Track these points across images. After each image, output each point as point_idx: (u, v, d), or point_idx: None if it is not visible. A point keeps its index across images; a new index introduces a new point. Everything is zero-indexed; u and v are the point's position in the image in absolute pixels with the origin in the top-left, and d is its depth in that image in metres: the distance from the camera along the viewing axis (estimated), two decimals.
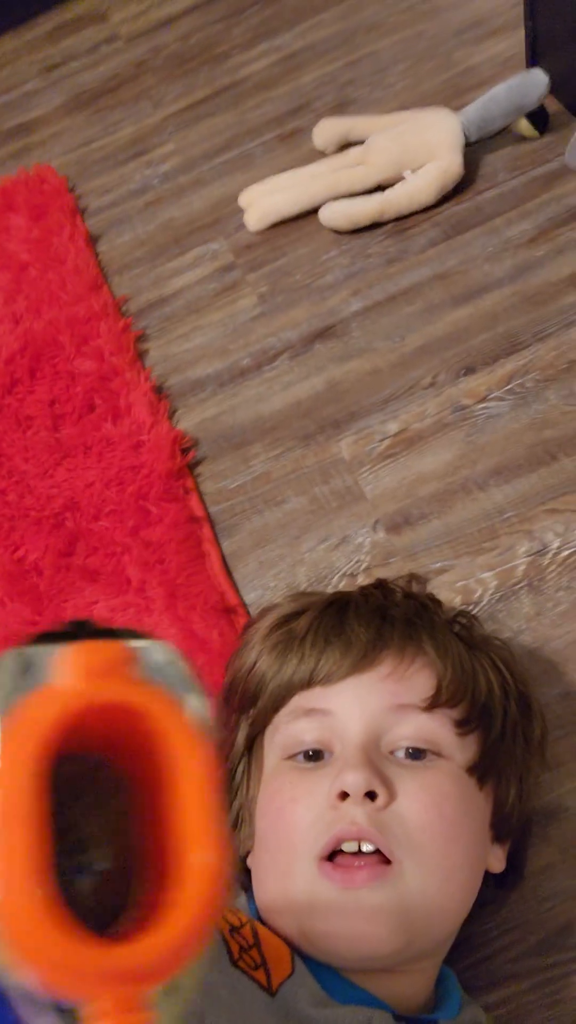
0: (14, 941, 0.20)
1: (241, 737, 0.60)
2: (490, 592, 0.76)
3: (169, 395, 0.94)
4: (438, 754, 0.54)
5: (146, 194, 1.12)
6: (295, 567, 0.81)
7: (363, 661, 0.55)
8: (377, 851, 0.50)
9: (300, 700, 0.56)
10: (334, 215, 0.97)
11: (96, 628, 0.24)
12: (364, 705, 0.54)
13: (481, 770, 0.55)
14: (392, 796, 0.51)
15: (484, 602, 0.75)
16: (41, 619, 0.80)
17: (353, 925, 0.49)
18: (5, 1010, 0.23)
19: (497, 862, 0.57)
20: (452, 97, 1.05)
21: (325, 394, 0.89)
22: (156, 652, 0.24)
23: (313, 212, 1.00)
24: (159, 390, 0.94)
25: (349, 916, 0.49)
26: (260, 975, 0.49)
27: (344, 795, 0.50)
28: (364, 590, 0.62)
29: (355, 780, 0.50)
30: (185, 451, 0.88)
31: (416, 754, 0.54)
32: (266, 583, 0.81)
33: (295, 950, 0.51)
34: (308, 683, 0.56)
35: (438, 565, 0.77)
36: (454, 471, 0.82)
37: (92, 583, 0.81)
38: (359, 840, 0.50)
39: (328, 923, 0.49)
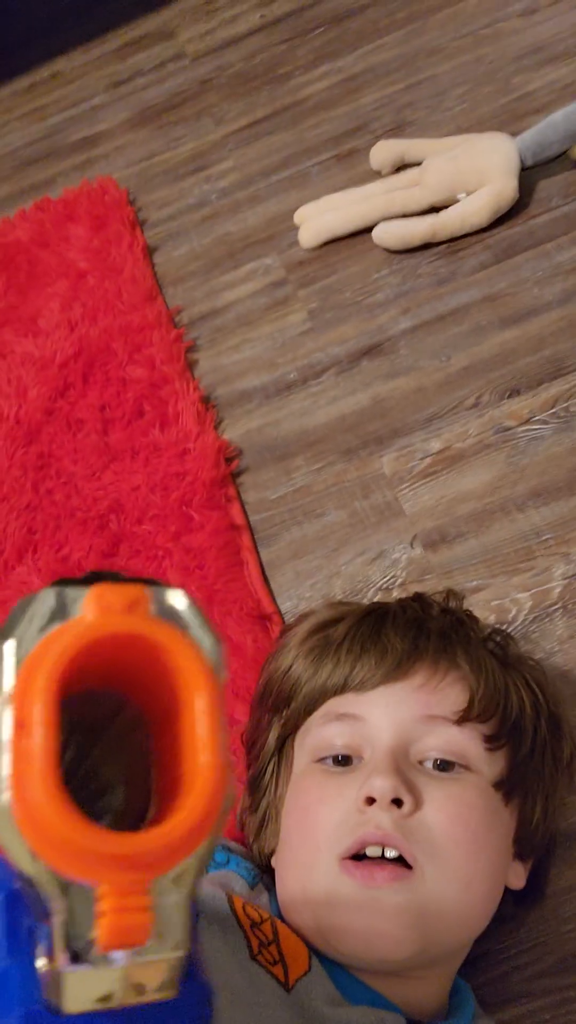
0: (29, 827, 0.22)
1: (272, 738, 0.61)
2: (524, 612, 0.76)
3: (216, 405, 0.96)
4: (466, 767, 0.55)
5: (203, 208, 1.14)
6: (331, 579, 0.82)
7: (397, 671, 0.56)
8: (399, 858, 0.50)
9: (333, 705, 0.57)
10: (387, 235, 0.99)
11: (120, 575, 0.26)
12: (395, 714, 0.55)
13: (508, 786, 0.56)
14: (418, 804, 0.52)
15: (518, 622, 0.76)
16: None
17: (371, 923, 0.50)
18: (19, 914, 0.25)
19: (517, 879, 0.57)
20: (509, 122, 1.06)
21: (370, 410, 0.91)
22: (173, 596, 0.26)
23: (366, 231, 1.01)
24: (207, 400, 0.96)
25: (367, 914, 0.50)
26: (278, 970, 0.50)
27: (371, 800, 0.51)
28: (402, 602, 0.63)
29: (383, 786, 0.51)
30: (229, 460, 0.90)
31: (444, 766, 0.54)
32: (302, 593, 0.82)
33: (312, 949, 0.52)
34: (342, 689, 0.57)
35: (474, 583, 0.78)
36: (494, 491, 0.82)
37: None
38: (383, 845, 0.50)
39: (346, 919, 0.50)
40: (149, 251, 1.12)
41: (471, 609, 0.71)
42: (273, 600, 0.82)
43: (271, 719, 0.62)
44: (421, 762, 0.54)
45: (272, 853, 0.60)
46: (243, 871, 0.58)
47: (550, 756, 0.59)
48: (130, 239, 1.11)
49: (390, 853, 0.50)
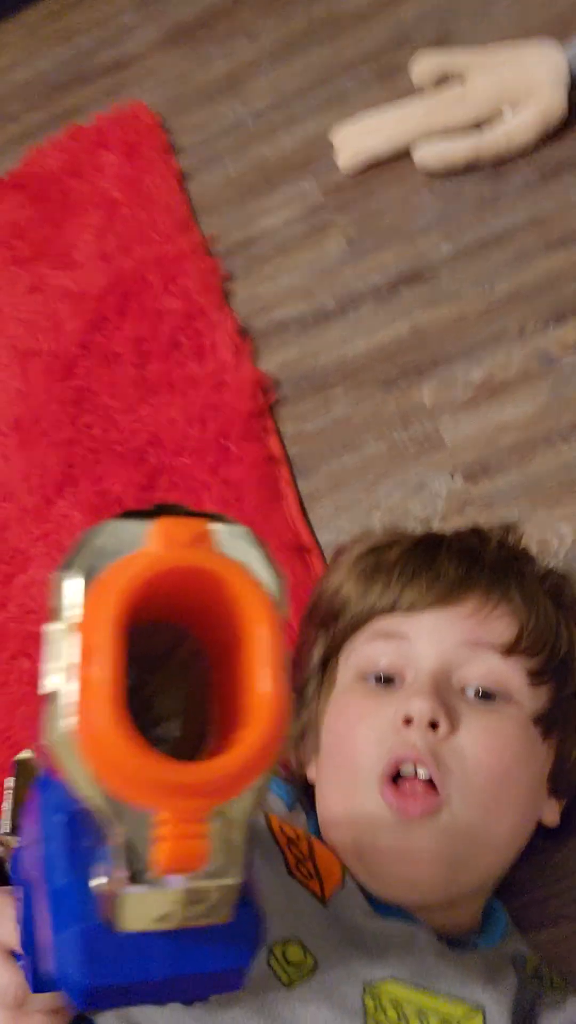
0: (92, 754, 0.23)
1: (318, 653, 0.62)
2: (568, 546, 0.75)
3: (252, 336, 0.94)
4: (507, 699, 0.55)
5: (238, 132, 1.11)
6: (370, 511, 0.81)
7: (448, 597, 0.56)
8: (430, 780, 0.51)
9: (379, 624, 0.58)
10: (429, 156, 0.95)
11: (185, 508, 0.27)
12: (441, 638, 0.55)
13: (548, 722, 0.56)
14: (454, 729, 0.52)
15: (560, 556, 0.74)
16: None
17: (404, 853, 0.51)
18: (80, 834, 0.25)
19: (552, 815, 0.58)
20: (560, 32, 1.00)
21: (409, 340, 0.89)
22: (237, 533, 0.26)
23: (407, 153, 0.97)
24: (243, 331, 0.94)
25: (401, 846, 0.51)
26: (314, 885, 0.52)
27: (408, 720, 0.52)
28: (459, 533, 0.63)
29: (421, 707, 0.51)
30: (266, 392, 0.89)
31: (485, 696, 0.54)
32: (341, 526, 0.81)
33: (346, 868, 0.53)
34: (390, 609, 0.57)
35: (515, 516, 0.77)
36: (537, 422, 0.80)
37: None
38: (415, 763, 0.51)
39: (383, 843, 0.51)
40: (183, 178, 1.09)
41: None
42: (312, 533, 0.81)
43: (317, 635, 0.62)
44: (463, 689, 0.55)
45: (306, 767, 0.61)
46: (282, 792, 0.60)
47: None
48: (163, 166, 1.08)
49: (422, 772, 0.51)
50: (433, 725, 0.51)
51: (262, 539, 0.27)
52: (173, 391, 0.91)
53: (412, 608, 0.56)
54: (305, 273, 0.97)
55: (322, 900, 0.51)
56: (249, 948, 0.27)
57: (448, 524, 0.76)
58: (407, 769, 0.51)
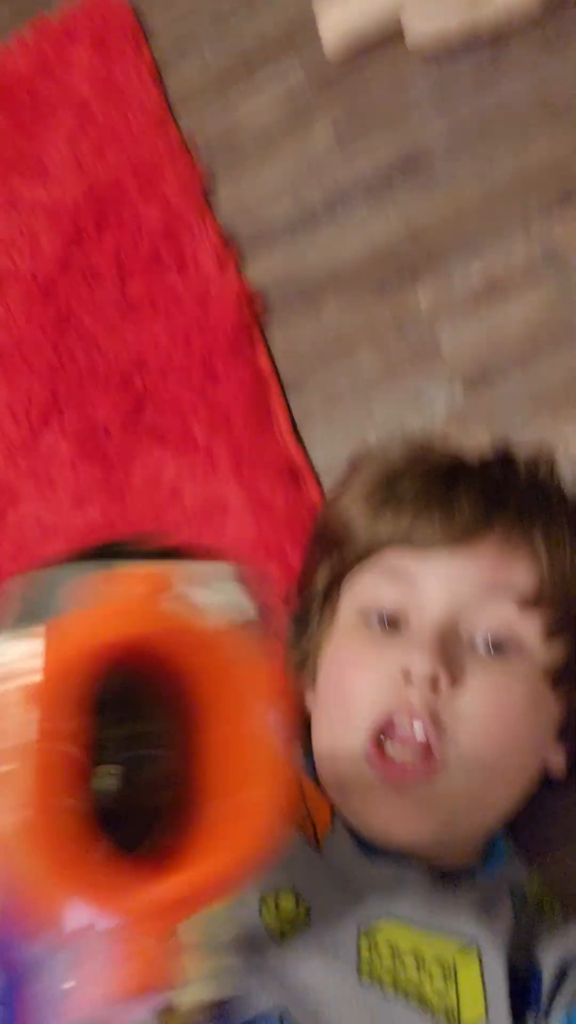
0: (44, 853, 0.20)
1: (322, 578, 0.59)
2: (572, 452, 0.70)
3: (237, 242, 0.88)
4: (519, 651, 0.51)
5: (215, 11, 1.01)
6: (365, 427, 0.77)
7: (463, 537, 0.52)
8: (426, 741, 0.49)
9: (387, 557, 0.54)
10: (421, 31, 0.86)
11: (162, 548, 0.24)
12: (452, 581, 0.51)
13: (561, 676, 0.52)
14: (457, 687, 0.49)
15: (566, 466, 0.70)
16: (111, 480, 0.80)
17: (392, 814, 0.49)
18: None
19: (558, 763, 0.55)
20: None
21: (403, 237, 0.82)
22: (218, 576, 0.23)
23: (397, 31, 0.88)
24: (227, 237, 0.88)
25: (390, 806, 0.49)
26: (308, 828, 0.50)
27: (408, 675, 0.49)
28: (484, 461, 0.57)
29: (421, 663, 0.48)
30: (253, 305, 0.84)
31: (496, 647, 0.51)
32: (334, 444, 0.77)
33: (335, 809, 0.52)
34: (399, 541, 0.53)
35: (518, 425, 0.72)
36: (540, 323, 0.75)
37: (160, 444, 0.80)
38: (411, 718, 0.49)
39: (369, 806, 0.49)
40: (157, 67, 1.01)
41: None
42: (305, 453, 0.78)
43: (322, 559, 0.59)
44: (471, 640, 0.51)
45: (305, 695, 0.59)
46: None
47: None
48: (135, 57, 0.99)
49: (418, 729, 0.48)
50: (434, 682, 0.48)
51: (243, 569, 0.24)
52: (156, 309, 0.86)
53: (423, 545, 0.52)
54: (291, 169, 0.89)
55: (316, 844, 0.50)
56: None
57: (447, 437, 0.72)
58: (402, 722, 0.49)
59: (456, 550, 0.52)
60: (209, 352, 0.81)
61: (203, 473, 0.78)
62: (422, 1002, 0.45)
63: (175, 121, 0.96)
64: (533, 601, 0.51)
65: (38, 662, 0.21)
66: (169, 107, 0.98)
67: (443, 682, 0.48)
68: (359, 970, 0.45)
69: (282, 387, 0.81)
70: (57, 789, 0.20)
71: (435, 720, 0.48)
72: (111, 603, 0.21)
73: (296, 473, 0.76)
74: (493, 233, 0.78)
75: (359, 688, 0.51)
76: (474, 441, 0.70)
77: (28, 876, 0.20)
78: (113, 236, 0.91)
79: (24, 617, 0.21)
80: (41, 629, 0.21)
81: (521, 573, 0.52)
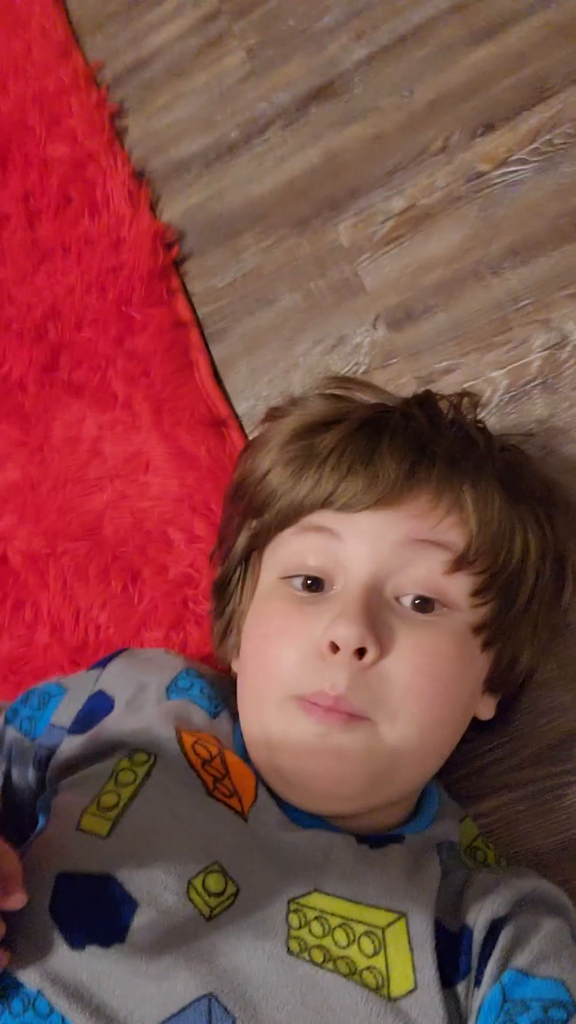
0: None
1: (241, 543, 0.57)
2: (500, 392, 0.69)
3: (151, 180, 0.84)
4: (447, 606, 0.50)
5: None
6: (289, 372, 0.75)
7: (388, 497, 0.50)
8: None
9: (310, 518, 0.52)
10: None
11: None
12: (378, 541, 0.49)
13: (490, 634, 0.51)
14: (384, 653, 0.48)
15: (493, 404, 0.68)
16: (30, 439, 0.77)
17: (322, 761, 0.48)
18: None
19: (487, 710, 0.55)
20: None
21: (322, 168, 0.78)
22: None
23: None
24: (139, 175, 0.84)
25: (320, 752, 0.48)
26: (235, 802, 0.50)
27: (335, 647, 0.47)
28: (407, 410, 0.54)
29: (347, 635, 0.47)
30: (169, 247, 0.80)
31: (423, 605, 0.49)
32: (259, 391, 0.75)
33: (260, 780, 0.51)
34: (321, 506, 0.51)
35: (443, 364, 0.70)
36: (464, 254, 0.72)
37: (78, 399, 0.77)
38: (336, 707, 0.47)
39: (298, 759, 0.48)
40: None
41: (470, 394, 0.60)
42: (228, 402, 0.75)
43: (242, 522, 0.57)
44: (398, 598, 0.49)
45: (232, 663, 0.58)
46: (204, 701, 0.56)
47: (547, 602, 0.54)
48: None
49: (342, 700, 0.47)
50: (360, 653, 0.47)
51: None
52: (68, 255, 0.82)
53: (347, 508, 0.50)
54: (204, 99, 0.85)
55: (243, 817, 0.49)
56: None
57: (373, 379, 0.70)
58: (324, 701, 0.48)
59: (382, 510, 0.50)
60: (125, 300, 0.78)
61: (124, 428, 0.75)
62: (353, 975, 0.44)
63: (81, 51, 0.91)
64: (461, 560, 0.50)
65: None
66: (75, 37, 0.92)
67: (371, 652, 0.47)
68: (288, 945, 0.45)
69: (203, 334, 0.78)
70: None
71: (361, 687, 0.47)
72: None
73: (219, 423, 0.73)
74: (414, 160, 0.75)
75: (284, 656, 0.49)
76: (399, 381, 0.69)
77: None
78: (20, 177, 0.86)
79: None
80: None
81: (449, 531, 0.50)
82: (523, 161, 0.72)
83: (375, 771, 0.48)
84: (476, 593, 0.50)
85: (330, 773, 0.48)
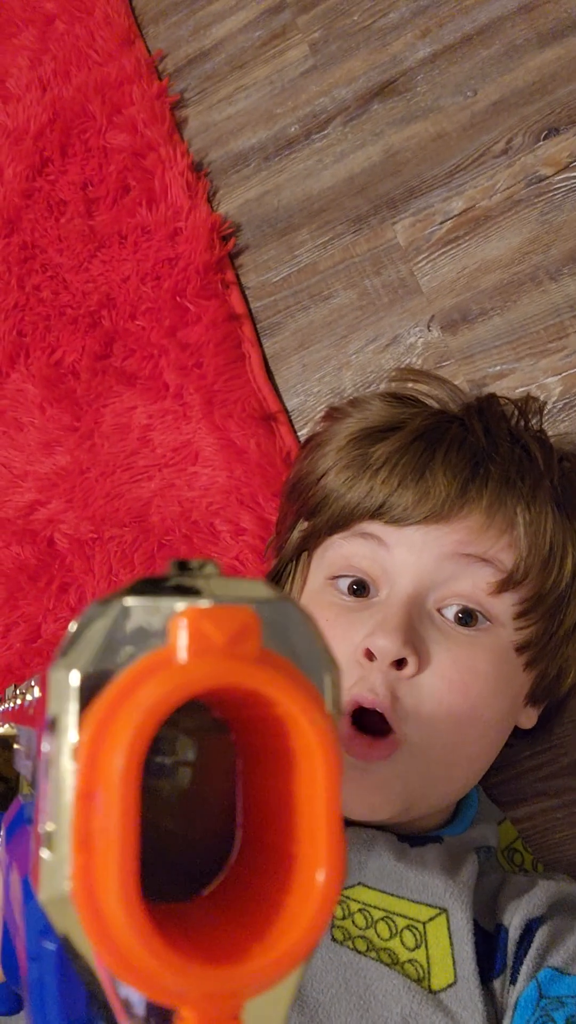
0: (94, 927, 0.18)
1: (294, 542, 0.57)
2: (554, 398, 0.68)
3: (209, 172, 0.84)
4: (490, 621, 0.50)
5: None
6: (341, 370, 0.75)
7: (438, 513, 0.49)
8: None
9: (361, 526, 0.52)
10: None
11: (216, 576, 0.21)
12: (425, 554, 0.49)
13: (533, 654, 0.51)
14: (421, 667, 0.48)
15: (546, 411, 0.68)
16: (80, 425, 0.78)
17: (354, 791, 0.48)
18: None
19: (528, 721, 0.55)
20: None
21: (382, 166, 0.78)
22: (280, 609, 0.21)
23: None
24: (198, 167, 0.84)
25: (352, 783, 0.48)
26: None
27: (370, 655, 0.48)
28: (466, 420, 0.53)
29: (385, 647, 0.47)
30: (225, 239, 0.80)
31: (466, 618, 0.49)
32: (309, 388, 0.75)
33: None
34: (373, 515, 0.51)
35: (497, 368, 0.70)
36: (523, 258, 0.71)
37: (129, 387, 0.78)
38: (373, 708, 0.48)
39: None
40: None
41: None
42: (279, 397, 0.75)
43: (295, 521, 0.58)
44: (441, 610, 0.49)
45: None
46: None
47: None
48: None
49: (379, 707, 0.48)
50: (398, 664, 0.47)
51: (306, 612, 0.21)
52: (124, 244, 0.82)
53: (396, 521, 0.50)
54: (265, 92, 0.85)
55: None
56: None
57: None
58: (365, 701, 0.48)
59: (431, 525, 0.49)
60: (179, 291, 0.78)
61: (173, 418, 0.76)
62: (395, 965, 0.45)
63: (144, 41, 0.91)
64: (508, 581, 0.49)
65: (74, 715, 0.19)
66: (137, 23, 0.92)
67: (410, 665, 0.47)
68: (332, 933, 0.46)
69: (255, 328, 0.78)
70: (107, 874, 0.18)
71: (396, 698, 0.47)
72: (176, 651, 0.19)
73: (269, 417, 0.74)
74: (475, 161, 0.75)
75: None
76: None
77: (73, 938, 0.19)
78: (79, 164, 0.86)
79: (77, 658, 0.19)
80: (76, 675, 0.19)
81: (499, 550, 0.50)
82: None
83: (410, 795, 0.49)
84: (520, 615, 0.50)
85: (365, 802, 0.48)
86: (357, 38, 0.82)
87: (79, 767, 0.18)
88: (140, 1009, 0.20)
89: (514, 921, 0.47)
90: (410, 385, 0.60)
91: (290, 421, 0.74)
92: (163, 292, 0.79)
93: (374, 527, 0.51)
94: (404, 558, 0.50)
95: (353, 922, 0.46)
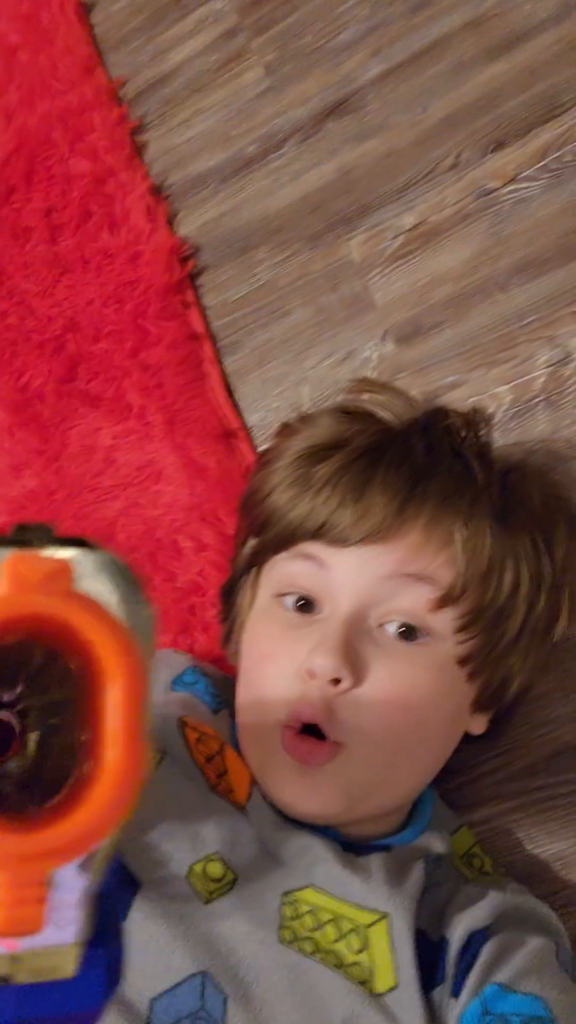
0: None
1: (245, 555, 0.59)
2: (504, 407, 0.69)
3: (169, 195, 0.86)
4: (430, 635, 0.50)
5: None
6: (299, 385, 0.76)
7: (377, 533, 0.50)
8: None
9: (304, 546, 0.53)
10: None
11: (47, 531, 0.25)
12: (364, 574, 0.50)
13: (475, 666, 0.52)
14: (358, 682, 0.49)
15: (497, 419, 0.69)
16: (47, 448, 0.80)
17: (300, 792, 0.50)
18: None
19: (478, 727, 0.56)
20: None
21: (336, 184, 0.80)
22: (101, 563, 0.25)
23: None
24: (158, 190, 0.86)
25: (296, 784, 0.50)
26: (233, 798, 0.52)
27: (312, 673, 0.49)
28: (408, 437, 0.54)
29: (323, 665, 0.48)
30: (185, 260, 0.82)
31: (407, 633, 0.50)
32: (268, 404, 0.77)
33: (255, 780, 0.53)
34: (314, 536, 0.52)
35: (450, 380, 0.71)
36: (473, 270, 0.73)
37: (94, 409, 0.79)
38: (313, 722, 0.49)
39: (280, 782, 0.50)
40: (84, 8, 0.96)
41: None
42: (239, 414, 0.77)
43: (247, 537, 0.59)
44: (383, 624, 0.50)
45: (234, 665, 0.60)
46: (208, 697, 0.58)
47: (540, 630, 0.54)
48: None
49: (318, 719, 0.49)
50: (335, 682, 0.49)
51: (129, 566, 0.25)
52: (88, 267, 0.84)
53: (336, 542, 0.51)
54: (222, 114, 0.86)
55: (243, 811, 0.51)
56: (100, 994, 0.26)
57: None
58: (303, 714, 0.49)
59: (371, 545, 0.50)
60: (141, 313, 0.80)
61: (137, 438, 0.77)
62: (340, 967, 0.46)
63: (104, 67, 0.93)
64: (447, 598, 0.50)
65: None
66: (98, 52, 0.94)
67: (345, 681, 0.49)
68: (280, 934, 0.47)
69: (215, 346, 0.79)
70: None
71: (334, 712, 0.49)
72: (7, 587, 0.23)
73: (230, 435, 0.75)
74: (425, 177, 0.76)
75: (270, 680, 0.51)
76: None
77: None
78: (43, 192, 0.88)
79: None
80: None
81: (437, 567, 0.51)
82: (532, 178, 0.73)
83: (352, 795, 0.50)
84: (461, 629, 0.51)
85: (308, 801, 0.50)
86: (311, 59, 0.84)
87: None
88: None
89: (456, 932, 0.48)
90: (365, 396, 0.61)
91: (250, 437, 0.76)
92: (125, 315, 0.80)
93: (315, 548, 0.52)
94: (343, 579, 0.51)
95: (302, 923, 0.47)
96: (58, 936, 0.24)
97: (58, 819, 0.23)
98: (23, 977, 0.25)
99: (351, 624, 0.50)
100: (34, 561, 0.23)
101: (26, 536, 0.25)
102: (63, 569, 0.23)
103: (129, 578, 0.25)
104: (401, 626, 0.50)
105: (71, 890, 0.24)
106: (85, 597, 0.23)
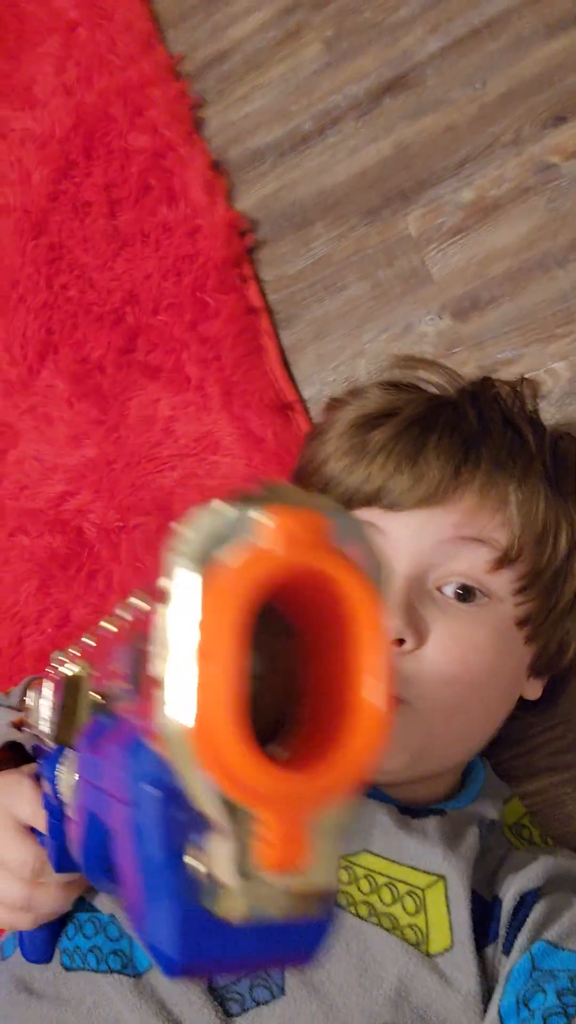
0: (208, 758, 0.23)
1: None
2: (561, 383, 0.70)
3: (227, 170, 0.87)
4: (489, 597, 0.51)
5: None
6: (355, 359, 0.77)
7: (433, 497, 0.51)
8: None
9: (360, 513, 0.54)
10: None
11: (295, 491, 0.26)
12: (419, 540, 0.51)
13: (533, 628, 0.53)
14: (420, 643, 0.50)
15: (554, 395, 0.70)
16: (107, 418, 0.82)
17: None
18: (175, 811, 0.26)
19: (533, 692, 0.57)
20: None
21: (393, 160, 0.80)
22: (346, 525, 0.26)
23: None
24: (216, 165, 0.87)
25: None
26: None
27: None
28: (459, 405, 0.55)
29: (386, 627, 0.49)
30: (243, 235, 0.83)
31: (465, 594, 0.51)
32: (324, 377, 0.78)
33: None
34: (370, 501, 0.53)
35: (506, 355, 0.72)
36: (531, 245, 0.73)
37: (153, 380, 0.81)
38: None
39: None
40: None
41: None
42: (295, 387, 0.78)
43: None
44: (441, 588, 0.51)
45: None
46: None
47: None
48: None
49: None
50: (399, 643, 0.50)
51: (364, 527, 0.26)
52: (147, 242, 0.85)
53: (392, 506, 0.52)
54: (280, 90, 0.87)
55: None
56: (323, 932, 0.28)
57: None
58: None
59: (426, 509, 0.51)
60: (199, 286, 0.81)
61: (195, 409, 0.78)
62: (394, 929, 0.48)
63: (164, 44, 0.94)
64: (504, 559, 0.51)
65: (197, 592, 0.23)
66: (157, 27, 0.95)
67: (409, 642, 0.49)
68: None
69: (272, 320, 0.81)
70: (217, 707, 0.23)
71: (398, 671, 0.49)
72: (272, 545, 0.23)
73: (286, 407, 0.76)
74: (484, 152, 0.76)
75: None
76: (462, 371, 0.70)
77: (185, 769, 0.23)
78: (103, 166, 0.90)
79: (190, 547, 0.24)
80: (196, 561, 0.24)
81: (493, 529, 0.51)
82: None
83: (414, 753, 0.51)
84: (519, 591, 0.52)
85: None
86: (369, 34, 0.84)
87: (204, 631, 0.23)
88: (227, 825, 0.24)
89: (509, 893, 0.49)
90: (409, 372, 0.62)
91: (306, 410, 0.77)
92: (184, 288, 0.82)
93: (372, 514, 0.53)
94: (401, 543, 0.52)
95: (358, 887, 0.49)
96: (313, 877, 0.25)
97: (314, 760, 0.24)
98: (274, 912, 0.26)
99: (411, 586, 0.51)
100: (300, 520, 0.24)
101: (277, 494, 0.25)
102: (325, 526, 0.24)
103: (368, 539, 0.25)
104: (460, 587, 0.51)
105: (326, 835, 0.25)
106: (343, 554, 0.24)
